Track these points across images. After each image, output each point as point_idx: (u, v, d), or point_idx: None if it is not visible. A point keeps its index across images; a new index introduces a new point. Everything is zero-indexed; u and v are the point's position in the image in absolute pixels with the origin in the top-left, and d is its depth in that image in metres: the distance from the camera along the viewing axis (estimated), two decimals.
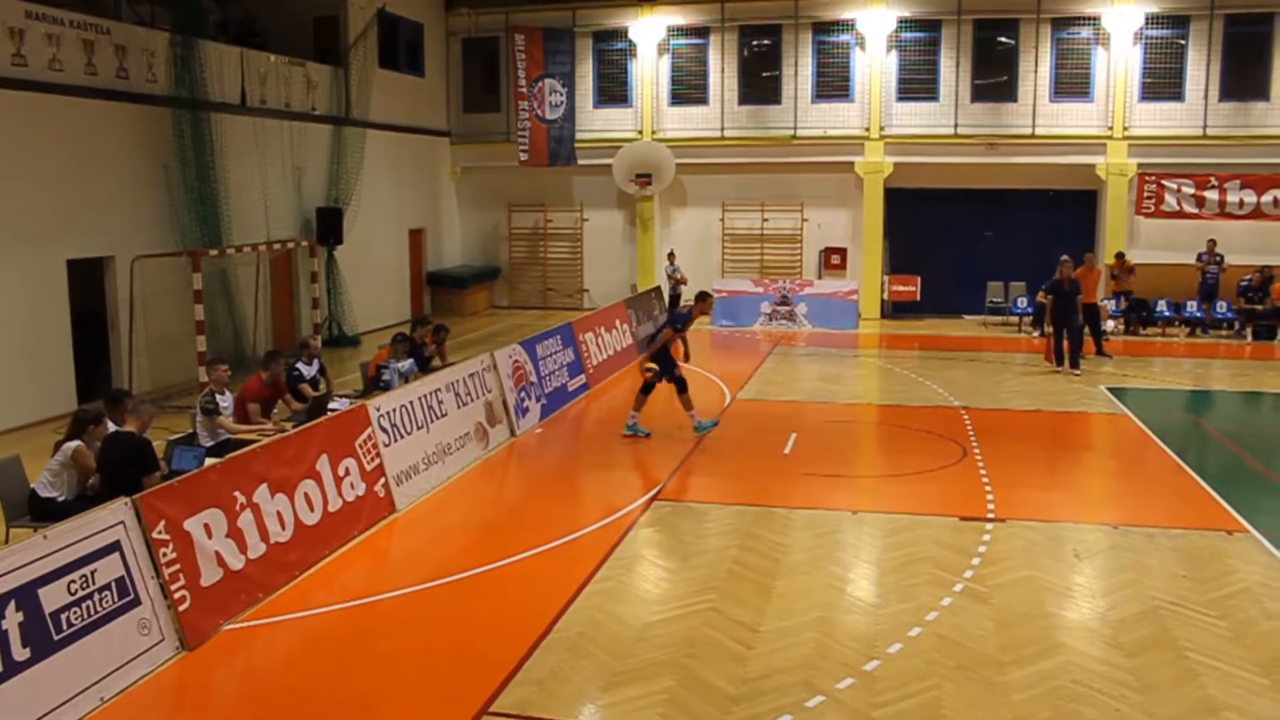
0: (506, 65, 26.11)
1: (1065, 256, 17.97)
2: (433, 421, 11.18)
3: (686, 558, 9.01)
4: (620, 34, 25.60)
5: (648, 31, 25.30)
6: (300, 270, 20.25)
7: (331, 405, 11.31)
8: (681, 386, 13.26)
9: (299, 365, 12.31)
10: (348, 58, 21.69)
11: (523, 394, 13.79)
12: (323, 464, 9.11)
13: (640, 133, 25.49)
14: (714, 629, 7.43)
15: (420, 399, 11.12)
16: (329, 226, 20.50)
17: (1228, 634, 7.35)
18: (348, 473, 9.44)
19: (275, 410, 11.53)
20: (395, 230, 24.18)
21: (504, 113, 26.36)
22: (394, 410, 10.54)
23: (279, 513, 8.35)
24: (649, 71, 25.46)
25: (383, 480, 9.98)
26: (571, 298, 26.34)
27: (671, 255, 23.80)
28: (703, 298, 13.71)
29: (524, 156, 25.53)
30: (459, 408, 11.88)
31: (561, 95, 25.46)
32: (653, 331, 13.67)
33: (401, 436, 10.51)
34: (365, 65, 22.08)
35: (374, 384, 12.97)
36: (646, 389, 13.30)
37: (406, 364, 13.11)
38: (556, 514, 10.19)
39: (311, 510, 8.79)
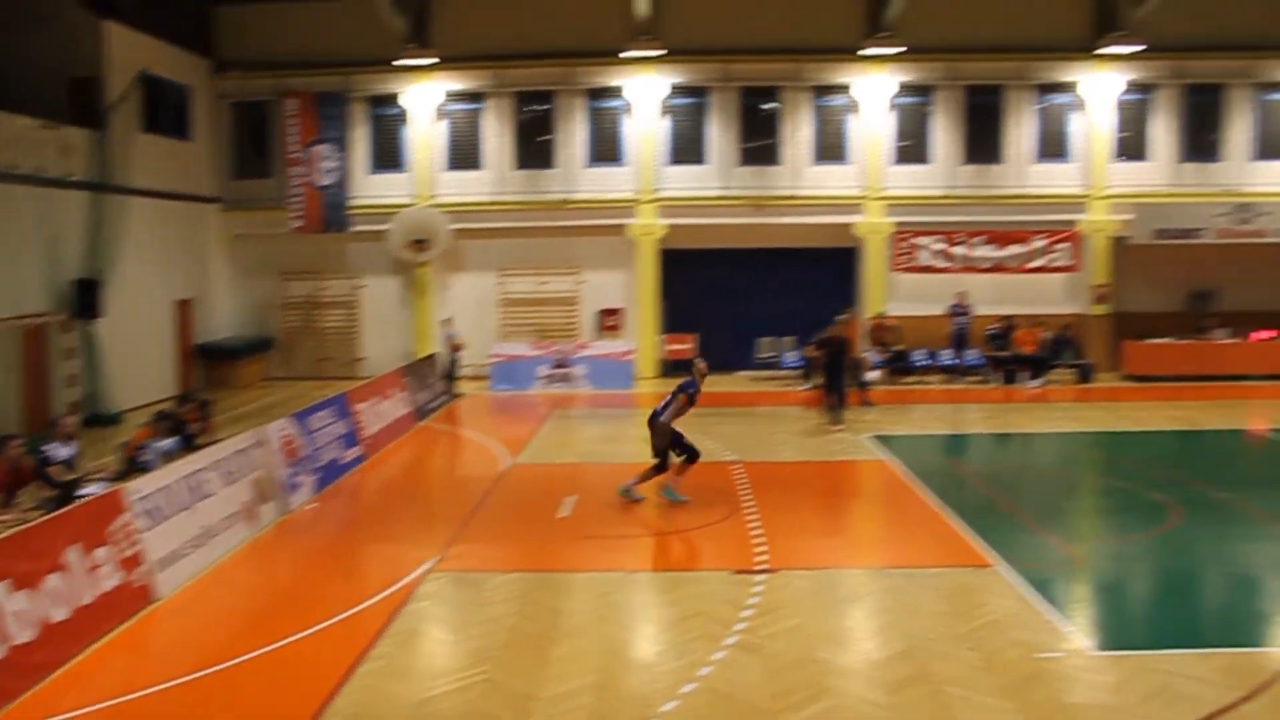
0: (278, 130, 25.59)
1: (842, 315, 18.91)
2: (197, 502, 10.72)
3: (462, 629, 8.93)
4: (395, 99, 25.51)
5: (423, 97, 25.30)
6: (54, 346, 19.15)
7: (84, 490, 10.72)
8: (690, 458, 13.02)
9: (51, 447, 11.64)
10: (108, 121, 20.78)
11: (294, 469, 13.41)
12: (72, 555, 8.60)
13: (416, 198, 25.37)
14: (490, 701, 7.37)
15: (183, 479, 10.66)
16: (87, 298, 19.48)
17: (979, 665, 7.80)
18: (101, 563, 8.94)
19: (19, 498, 10.84)
20: (160, 301, 23.16)
21: (276, 178, 25.72)
22: (154, 493, 10.06)
23: (20, 611, 7.81)
24: (424, 137, 25.42)
25: (142, 567, 9.49)
26: (348, 367, 25.80)
27: (449, 321, 23.71)
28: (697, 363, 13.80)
29: (297, 223, 25.01)
30: (226, 486, 11.44)
31: (335, 161, 25.11)
32: (662, 406, 13.39)
33: (163, 520, 10.03)
34: (127, 129, 21.21)
35: (132, 465, 12.37)
36: (660, 467, 13.03)
37: (168, 443, 12.58)
38: (329, 592, 9.93)
39: (60, 606, 8.27)
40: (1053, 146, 25.29)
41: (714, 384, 23.69)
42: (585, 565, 10.48)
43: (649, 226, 25.03)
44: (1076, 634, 8.45)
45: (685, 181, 25.20)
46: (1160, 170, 25.28)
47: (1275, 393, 22.06)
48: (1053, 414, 20.11)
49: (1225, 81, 25.18)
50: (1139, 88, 25.08)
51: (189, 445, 13.02)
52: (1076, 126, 25.20)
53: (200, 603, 9.78)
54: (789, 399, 21.72)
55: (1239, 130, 25.33)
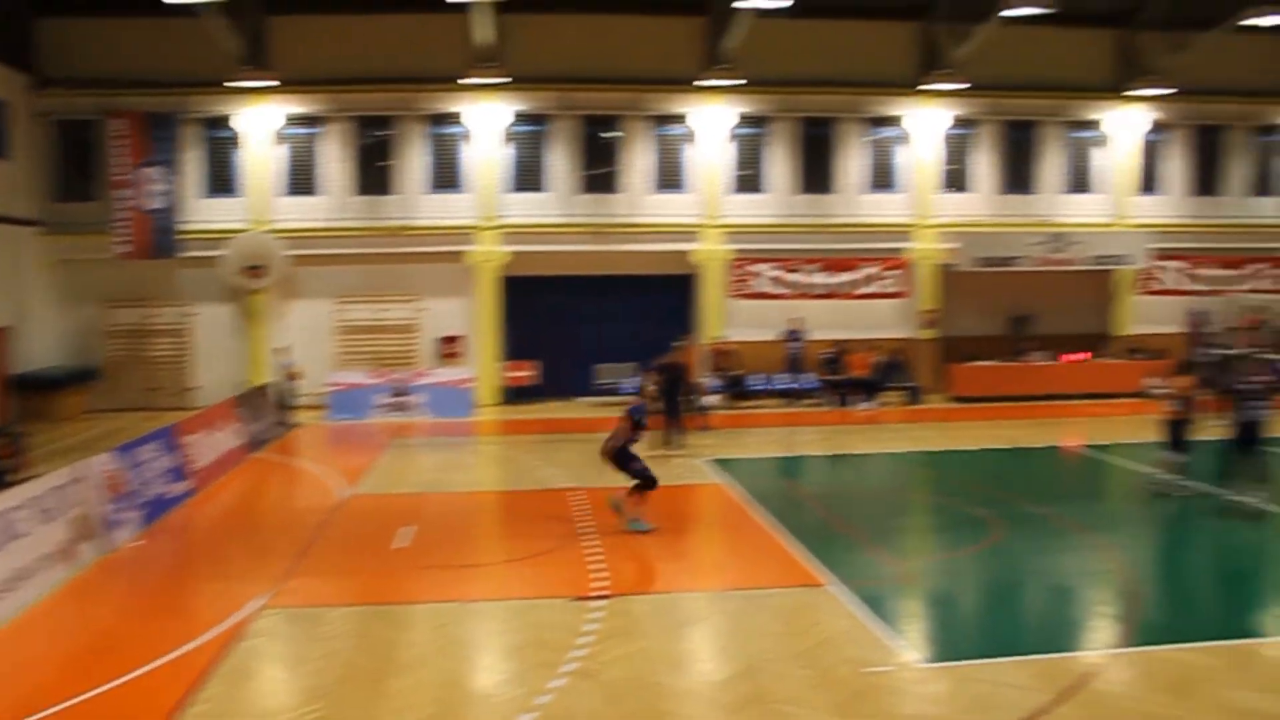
0: (104, 151, 24.50)
1: (680, 341, 19.18)
2: (8, 543, 10.19)
3: (296, 666, 8.71)
4: (229, 122, 24.80)
5: (259, 120, 24.67)
6: None
7: None
8: (644, 485, 12.90)
9: None
10: None
11: (117, 505, 12.87)
12: None
13: (251, 224, 24.71)
14: None
15: None
16: None
17: (813, 682, 8.02)
18: None
19: None
20: None
21: (102, 201, 24.60)
22: None
23: None
24: (260, 161, 24.78)
25: None
26: (179, 397, 24.85)
27: (284, 349, 23.14)
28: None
29: (124, 248, 24.05)
30: (41, 525, 10.90)
31: (165, 184, 24.26)
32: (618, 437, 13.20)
33: None
34: None
35: None
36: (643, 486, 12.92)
37: None
38: (154, 633, 9.52)
39: None
40: (883, 178, 26.32)
41: (555, 410, 24.00)
42: (423, 596, 10.36)
43: (489, 253, 24.97)
44: (905, 648, 8.77)
45: (526, 208, 25.25)
46: (982, 201, 26.61)
47: (1086, 411, 23.35)
48: (884, 435, 20.80)
49: (1039, 119, 26.66)
50: (963, 123, 26.34)
51: (0, 483, 12.37)
52: (905, 159, 26.28)
53: (12, 650, 9.26)
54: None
55: (1052, 165, 26.85)
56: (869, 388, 24.01)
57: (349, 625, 9.54)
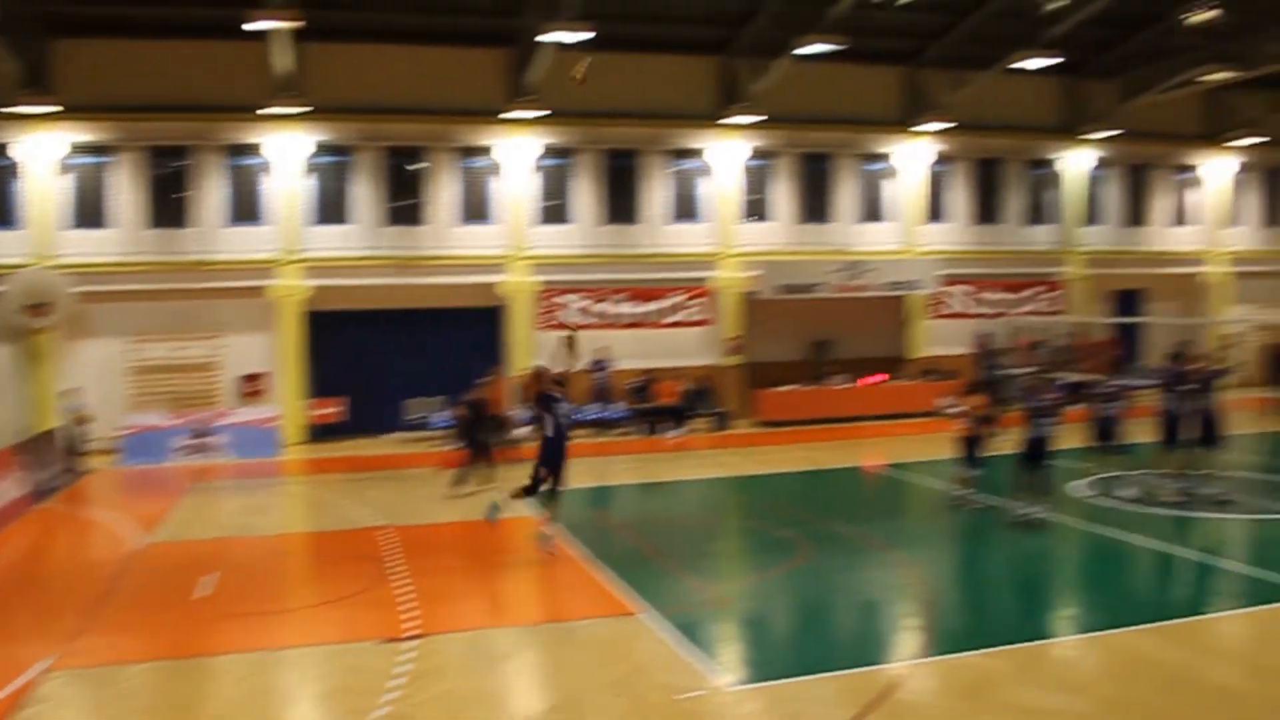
0: None
1: (486, 375, 19.10)
2: None
3: None
4: (7, 150, 23.31)
5: (41, 148, 23.28)
6: None
7: None
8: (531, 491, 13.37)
9: None
10: None
11: None
12: None
13: (33, 259, 23.33)
14: None
15: None
16: None
17: (627, 711, 8.08)
18: None
19: None
20: None
21: None
22: None
23: None
24: (42, 191, 23.37)
25: None
26: None
27: (73, 392, 21.96)
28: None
29: None
30: None
31: None
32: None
33: None
34: None
35: None
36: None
37: None
38: None
39: None
40: (686, 208, 26.93)
41: (363, 447, 23.53)
42: (227, 646, 9.96)
43: (292, 288, 24.32)
44: (718, 671, 8.95)
45: (330, 241, 24.71)
46: (782, 230, 27.54)
47: (885, 431, 24.38)
48: (694, 461, 21.23)
49: (834, 151, 27.82)
50: (761, 155, 27.21)
51: None
52: (707, 189, 26.95)
53: None
54: (438, 460, 21.64)
55: (846, 195, 28.05)
56: (677, 415, 24.45)
57: (147, 682, 9.10)
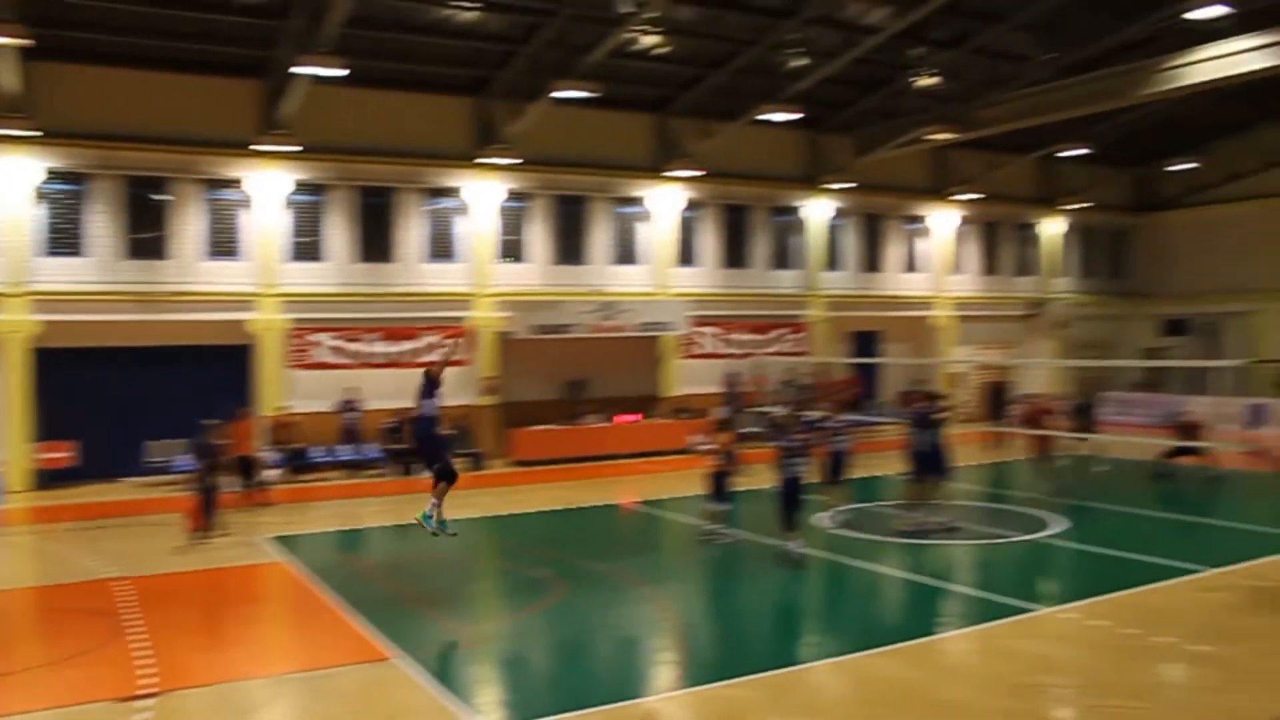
0: None
1: (228, 417, 18.37)
2: None
3: None
4: None
5: None
6: None
7: None
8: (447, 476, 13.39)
9: None
10: None
11: None
12: None
13: None
14: None
15: None
16: None
17: None
18: None
19: None
20: None
21: None
22: None
23: None
24: None
25: None
26: None
27: None
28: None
29: None
30: None
31: None
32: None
33: None
34: None
35: None
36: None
37: None
38: None
39: None
40: (442, 247, 26.79)
41: (98, 493, 22.13)
42: None
43: (17, 324, 22.62)
44: (474, 715, 8.93)
45: (61, 274, 23.10)
46: (538, 271, 27.80)
47: (640, 469, 24.92)
48: (449, 503, 20.84)
49: (589, 194, 28.39)
50: (517, 196, 27.44)
51: None
52: (463, 229, 26.92)
53: None
54: (179, 505, 20.65)
55: (601, 237, 28.64)
56: None
57: None
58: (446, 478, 13.27)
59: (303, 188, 25.20)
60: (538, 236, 27.90)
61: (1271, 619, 11.74)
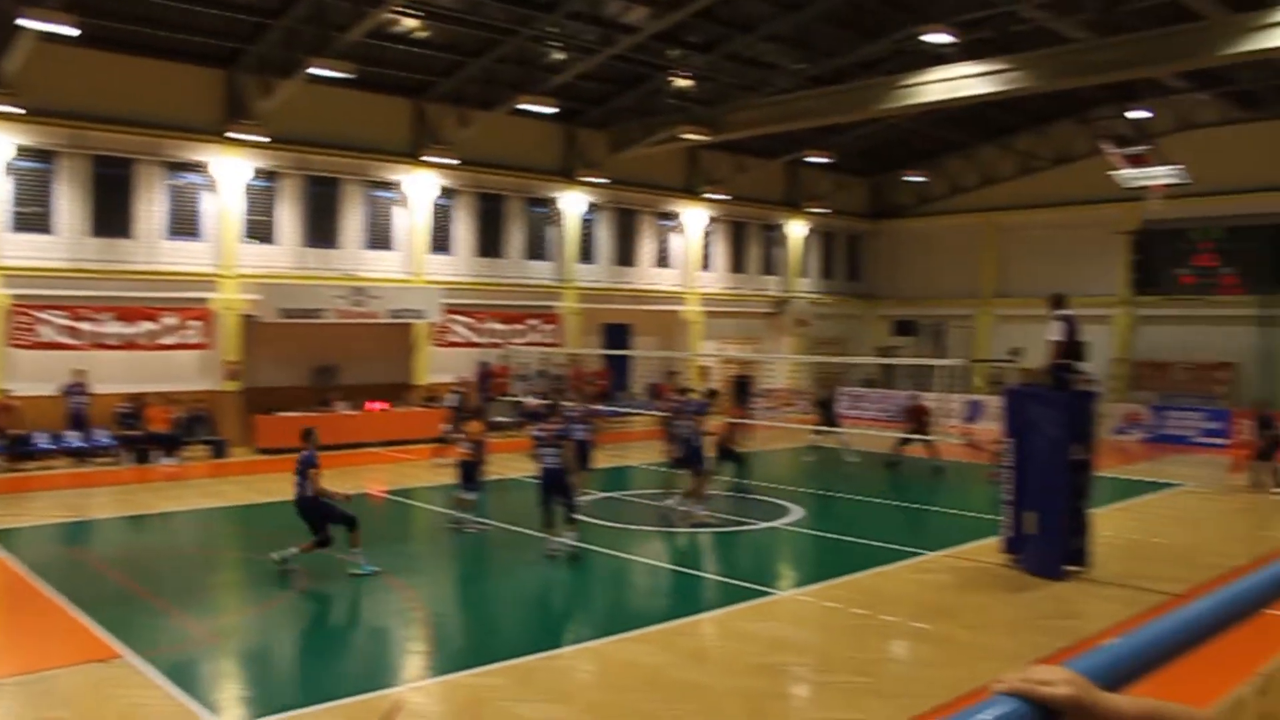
0: None
1: None
2: None
3: None
4: None
5: None
6: None
7: None
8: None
9: None
10: None
11: None
12: None
13: None
14: None
15: None
16: None
17: None
18: None
19: None
20: None
21: None
22: None
23: None
24: None
25: None
26: None
27: None
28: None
29: None
30: None
31: None
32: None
33: None
34: None
35: None
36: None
37: None
38: None
39: None
40: (185, 225, 25.49)
41: None
42: None
43: None
44: (212, 712, 8.64)
45: None
46: (286, 254, 26.88)
47: (390, 457, 24.54)
48: (188, 492, 20.14)
49: (342, 176, 27.68)
50: (266, 175, 26.45)
51: None
52: (209, 207, 25.70)
53: None
54: None
55: (354, 221, 27.99)
56: (170, 443, 23.10)
57: None
58: None
59: (27, 153, 23.40)
60: (287, 218, 26.97)
61: (981, 596, 12.79)
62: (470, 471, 16.36)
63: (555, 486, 14.49)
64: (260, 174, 26.30)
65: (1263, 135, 32.15)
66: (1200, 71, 28.35)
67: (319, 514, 13.46)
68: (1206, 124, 33.34)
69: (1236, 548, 15.63)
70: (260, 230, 26.50)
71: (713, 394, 19.63)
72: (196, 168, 25.51)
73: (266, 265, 26.38)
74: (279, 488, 20.20)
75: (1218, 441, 29.17)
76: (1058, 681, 1.39)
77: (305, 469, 13.52)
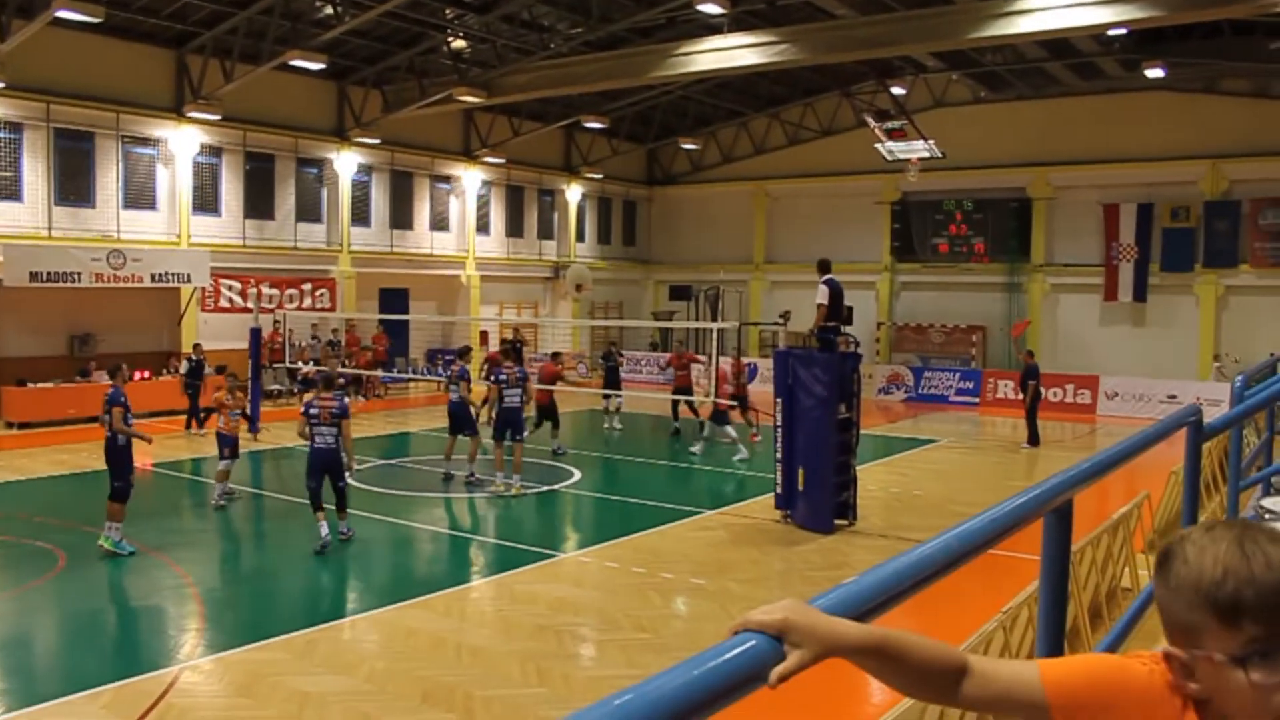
0: None
1: None
2: None
3: None
4: None
5: None
6: None
7: None
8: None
9: None
10: None
11: None
12: None
13: None
14: None
15: None
16: None
17: None
18: None
19: None
20: None
21: None
22: None
23: None
24: None
25: None
26: None
27: None
28: None
29: None
30: None
31: None
32: None
33: None
34: None
35: None
36: None
37: None
38: None
39: None
40: None
41: None
42: None
43: None
44: None
45: None
46: (32, 212, 25.00)
47: (156, 428, 23.34)
48: None
49: (97, 130, 25.97)
50: (7, 126, 24.51)
51: None
52: None
53: None
54: None
55: (112, 179, 26.31)
56: None
57: None
58: None
59: None
60: (34, 174, 25.07)
61: (754, 551, 13.35)
62: (233, 443, 15.72)
63: (327, 469, 13.29)
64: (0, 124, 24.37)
65: (1006, 115, 34.45)
66: (953, 53, 30.02)
67: (115, 460, 12.67)
68: (958, 102, 35.40)
69: (987, 497, 16.81)
70: (2, 187, 24.55)
71: (465, 351, 19.41)
72: None
73: (10, 225, 24.45)
74: (30, 464, 19.10)
75: (971, 400, 31.21)
76: (775, 609, 1.59)
77: (109, 408, 12.69)
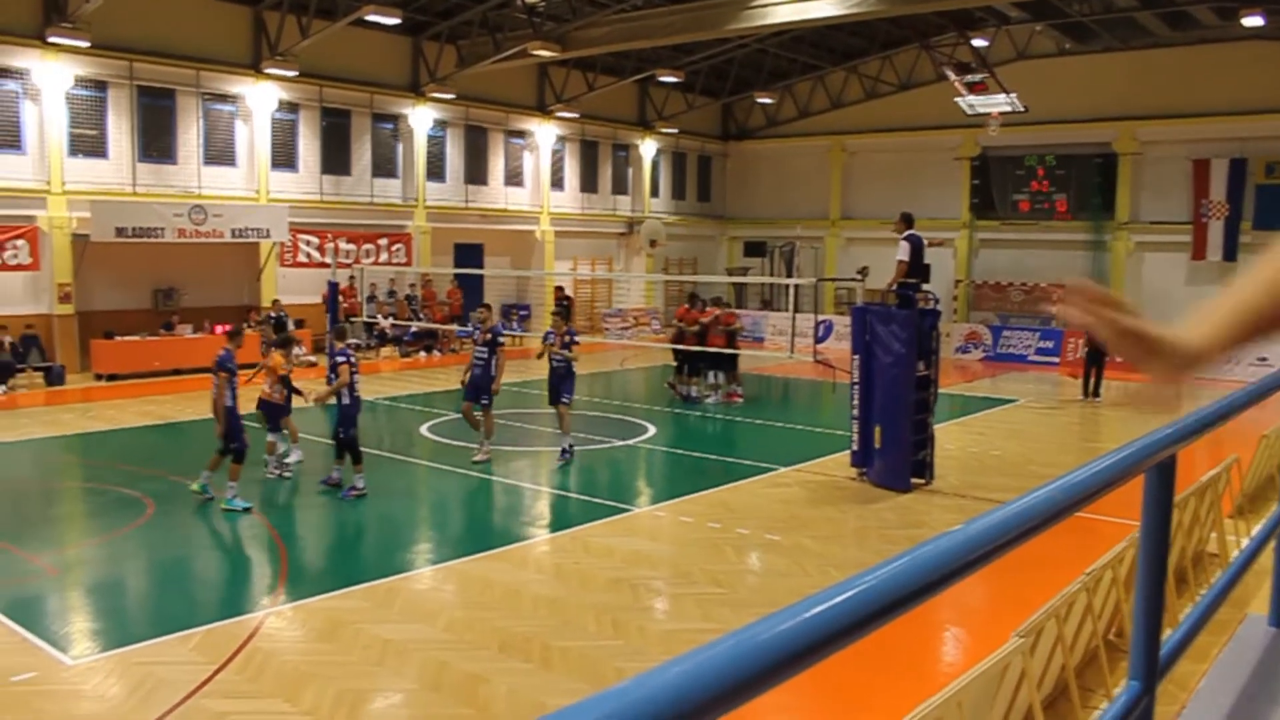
0: None
1: None
2: None
3: None
4: None
5: None
6: None
7: None
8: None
9: None
10: None
11: None
12: None
13: None
14: None
15: None
16: None
17: None
18: None
19: None
20: None
21: None
22: None
23: None
24: None
25: None
26: None
27: None
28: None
29: None
30: None
31: None
32: None
33: None
34: None
35: None
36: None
37: None
38: None
39: None
40: (6, 137, 23.93)
41: None
42: None
43: None
44: (54, 647, 8.35)
45: None
46: (119, 169, 25.49)
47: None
48: (21, 421, 19.21)
49: (178, 87, 26.31)
50: (91, 84, 24.93)
51: None
52: (30, 117, 24.13)
53: None
54: None
55: (192, 136, 26.69)
56: (2, 370, 21.98)
57: None
58: None
59: None
60: (119, 131, 25.53)
61: (830, 509, 13.25)
62: (273, 413, 14.54)
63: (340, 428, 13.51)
64: (84, 82, 24.78)
65: (1092, 67, 33.45)
66: (1037, 2, 29.21)
67: (229, 422, 12.85)
68: (1042, 55, 34.47)
69: (1067, 458, 16.52)
70: (87, 144, 25.03)
71: (566, 309, 19.21)
72: (11, 73, 23.79)
73: (96, 181, 24.97)
74: (119, 415, 19.58)
75: (1050, 360, 30.63)
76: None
77: (216, 372, 12.95)
